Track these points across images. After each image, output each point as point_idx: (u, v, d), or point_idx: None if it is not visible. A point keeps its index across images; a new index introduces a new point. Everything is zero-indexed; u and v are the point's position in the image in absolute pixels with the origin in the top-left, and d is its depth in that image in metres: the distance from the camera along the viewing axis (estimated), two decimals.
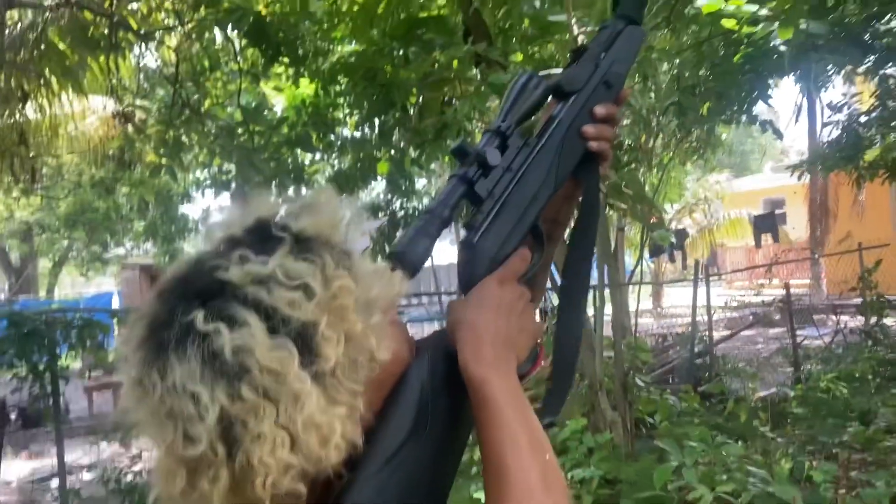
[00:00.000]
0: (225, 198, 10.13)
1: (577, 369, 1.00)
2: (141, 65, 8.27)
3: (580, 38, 4.52)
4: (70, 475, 6.26)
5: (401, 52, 5.59)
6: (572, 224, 1.06)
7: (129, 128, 8.16)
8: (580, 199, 1.06)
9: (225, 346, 0.70)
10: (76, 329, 5.80)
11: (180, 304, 0.73)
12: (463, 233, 0.97)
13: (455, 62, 5.59)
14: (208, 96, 7.83)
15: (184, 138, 7.29)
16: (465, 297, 0.91)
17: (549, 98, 1.02)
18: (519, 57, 5.77)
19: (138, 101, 8.60)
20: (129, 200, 13.59)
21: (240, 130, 6.96)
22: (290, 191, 7.07)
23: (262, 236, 0.78)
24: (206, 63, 7.28)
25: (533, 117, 1.01)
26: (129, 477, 5.27)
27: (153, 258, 16.92)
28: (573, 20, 4.36)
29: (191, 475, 0.72)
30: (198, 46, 7.22)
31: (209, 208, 12.81)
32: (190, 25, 6.81)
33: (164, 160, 7.31)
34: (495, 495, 0.77)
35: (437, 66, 5.34)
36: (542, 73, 1.08)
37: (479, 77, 5.32)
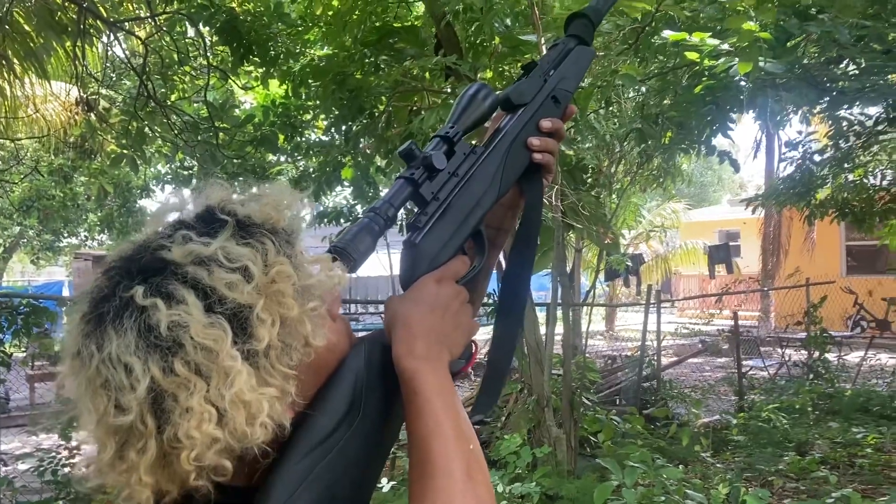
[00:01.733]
0: (185, 193, 10.02)
1: (509, 374, 1.05)
2: (108, 53, 8.15)
3: None
4: (6, 466, 6.11)
5: (372, 59, 5.62)
6: (514, 233, 1.09)
7: (92, 116, 8.04)
8: (524, 207, 1.08)
9: (161, 321, 0.72)
10: (22, 316, 5.67)
11: (123, 280, 0.76)
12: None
13: (427, 73, 5.65)
14: (175, 90, 7.76)
15: (147, 130, 7.21)
16: (402, 294, 0.93)
17: (498, 109, 1.06)
18: (489, 73, 5.84)
19: (103, 90, 8.48)
20: (87, 190, 13.35)
21: (205, 126, 6.90)
22: (254, 189, 7.03)
23: (207, 220, 0.81)
24: (175, 56, 7.22)
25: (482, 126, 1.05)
26: (66, 469, 5.16)
27: (107, 250, 16.61)
28: (543, 41, 4.44)
29: (120, 445, 0.73)
30: (168, 39, 7.16)
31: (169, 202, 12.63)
32: (161, 18, 6.76)
33: (125, 151, 7.21)
34: (419, 481, 0.80)
35: (407, 75, 5.38)
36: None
37: (448, 89, 5.38)
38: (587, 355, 7.63)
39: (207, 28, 6.38)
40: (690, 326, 13.76)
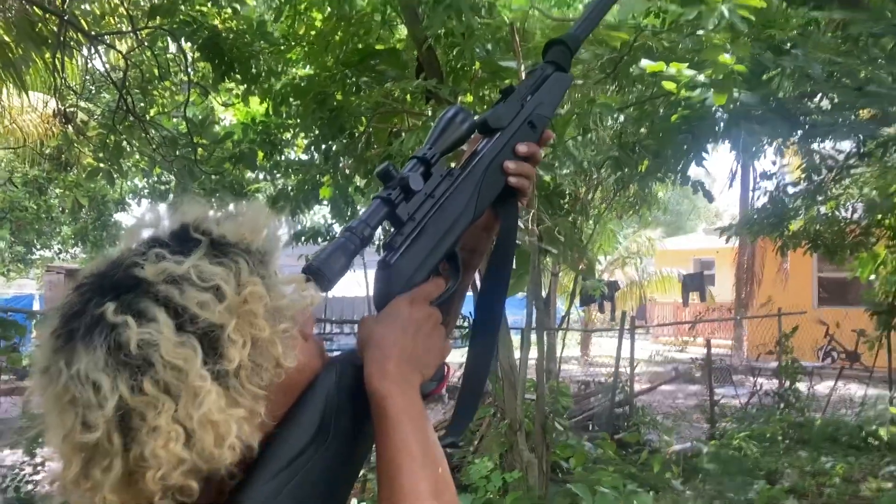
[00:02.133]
0: (162, 208, 9.96)
1: (482, 397, 1.05)
2: (88, 66, 8.12)
3: None
4: None
5: (353, 80, 5.64)
6: (489, 256, 1.09)
7: (70, 128, 7.99)
8: (499, 230, 1.09)
9: (131, 339, 0.72)
10: None
11: (95, 297, 0.76)
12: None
13: (407, 96, 5.68)
14: (154, 105, 7.74)
15: (125, 144, 7.17)
16: (376, 315, 0.93)
17: (476, 133, 1.07)
18: (469, 97, 5.89)
19: (82, 103, 8.44)
20: (62, 202, 13.23)
21: (183, 142, 6.88)
22: (231, 206, 7.00)
23: (182, 238, 0.80)
24: (156, 71, 7.21)
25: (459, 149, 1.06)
26: (30, 486, 5.07)
27: (80, 263, 16.42)
28: (523, 67, 4.50)
29: (85, 463, 0.73)
30: (149, 54, 7.15)
31: (144, 216, 12.54)
32: (143, 33, 6.75)
33: (102, 164, 7.17)
34: (387, 503, 0.80)
35: (388, 97, 5.41)
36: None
37: (428, 112, 5.41)
38: (561, 380, 7.65)
39: (189, 44, 6.39)
40: (664, 353, 13.85)
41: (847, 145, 6.84)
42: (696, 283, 16.69)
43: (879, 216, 7.75)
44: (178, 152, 6.77)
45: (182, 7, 6.01)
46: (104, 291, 0.76)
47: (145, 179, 9.14)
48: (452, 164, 1.05)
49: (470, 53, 4.53)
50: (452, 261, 1.01)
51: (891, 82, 4.24)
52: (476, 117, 1.06)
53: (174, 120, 8.04)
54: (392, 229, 0.98)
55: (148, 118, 7.23)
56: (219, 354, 0.75)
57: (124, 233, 0.87)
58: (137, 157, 7.81)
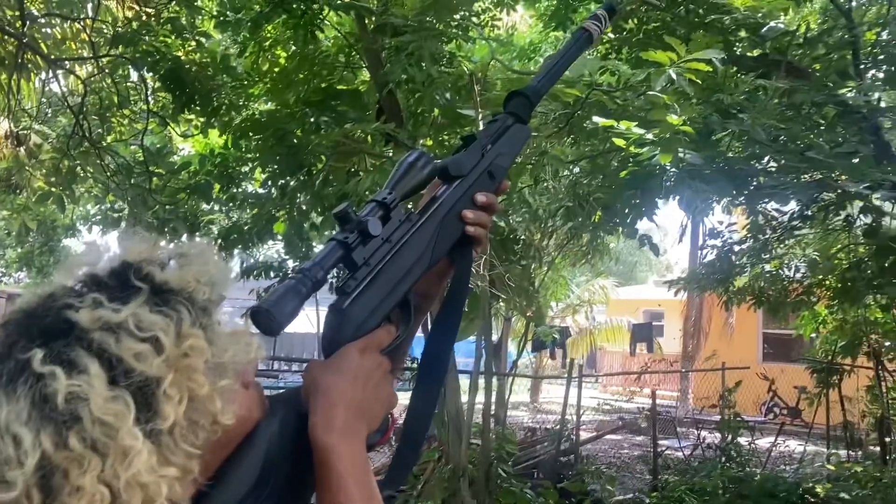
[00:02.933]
0: (112, 236, 9.81)
1: (423, 447, 1.02)
2: (45, 89, 8.03)
3: None
4: None
5: (314, 119, 5.69)
6: (440, 301, 1.09)
7: (21, 151, 7.86)
8: (452, 277, 1.08)
9: (59, 392, 0.67)
10: None
11: (21, 340, 0.71)
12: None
13: (367, 137, 5.75)
14: (112, 132, 7.67)
15: (79, 170, 7.08)
16: (324, 361, 0.90)
17: (436, 179, 1.07)
18: (429, 142, 5.97)
19: (36, 126, 8.32)
20: (9, 225, 12.91)
21: (138, 170, 6.83)
22: (183, 237, 6.93)
23: (122, 281, 0.76)
24: (115, 99, 7.16)
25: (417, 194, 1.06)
26: None
27: (23, 288, 15.98)
28: (481, 116, 4.60)
29: None
30: (109, 81, 7.11)
31: (94, 244, 12.28)
32: (105, 60, 6.72)
33: (54, 189, 7.06)
34: None
35: (348, 137, 5.47)
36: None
37: (389, 154, 5.48)
38: (508, 426, 7.66)
39: (151, 74, 6.38)
40: (612, 403, 13.94)
41: (791, 206, 7.07)
42: (644, 333, 16.93)
43: (821, 276, 7.99)
44: (132, 180, 6.70)
45: (145, 37, 6.01)
46: (32, 335, 0.71)
47: (97, 206, 9.00)
48: (410, 206, 1.05)
49: (430, 100, 4.62)
50: (405, 308, 0.99)
51: (830, 149, 4.44)
52: (437, 163, 1.06)
53: (131, 148, 7.97)
54: (346, 272, 0.95)
55: (104, 145, 7.16)
56: (153, 411, 0.70)
57: (61, 268, 0.81)
58: (91, 183, 7.71)
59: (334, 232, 0.97)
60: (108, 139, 7.56)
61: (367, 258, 0.94)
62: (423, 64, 4.21)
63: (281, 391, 0.97)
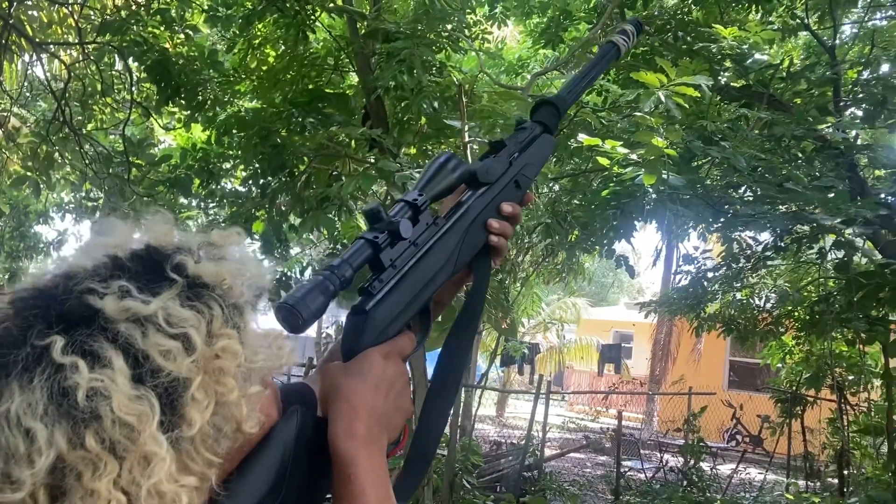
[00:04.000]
0: (86, 225, 9.71)
1: (434, 457, 0.97)
2: (28, 73, 7.93)
3: (470, 146, 4.78)
4: None
5: (300, 120, 5.68)
6: (458, 312, 1.04)
7: (0, 133, 7.75)
8: (470, 287, 1.05)
9: (80, 386, 0.61)
10: None
11: (38, 323, 0.64)
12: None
13: (352, 141, 5.74)
14: (93, 119, 7.60)
15: (57, 156, 6.99)
16: (345, 364, 0.86)
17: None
18: (412, 150, 5.99)
19: (16, 109, 8.21)
20: None
21: (118, 160, 6.76)
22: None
23: (150, 269, 0.70)
24: (99, 86, 7.09)
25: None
26: None
27: None
28: (466, 128, 4.62)
29: None
30: (93, 68, 7.04)
31: (66, 231, 12.13)
32: (91, 47, 6.66)
33: (30, 173, 6.96)
34: None
35: (332, 140, 5.46)
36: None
37: (371, 160, 5.49)
38: (474, 439, 7.65)
39: (137, 64, 6.33)
40: (577, 421, 13.99)
41: (766, 236, 7.17)
42: (613, 354, 17.04)
43: (790, 307, 8.10)
44: (111, 170, 6.63)
45: (134, 27, 5.97)
46: (50, 319, 0.64)
47: (73, 194, 8.89)
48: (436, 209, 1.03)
49: (417, 108, 4.63)
50: (424, 315, 0.96)
51: (807, 182, 4.52)
52: (467, 167, 1.03)
53: (111, 137, 7.89)
54: (371, 273, 0.91)
55: (84, 132, 7.08)
56: (178, 415, 0.65)
57: (81, 246, 0.74)
58: (68, 169, 7.61)
59: (363, 231, 0.93)
60: (89, 127, 7.48)
61: (393, 260, 0.91)
62: (415, 71, 4.22)
63: (288, 387, 0.93)
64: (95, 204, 7.88)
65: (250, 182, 6.49)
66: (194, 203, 7.91)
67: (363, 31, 5.28)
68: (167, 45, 6.34)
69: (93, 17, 7.03)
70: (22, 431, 0.60)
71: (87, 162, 6.79)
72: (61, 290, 0.67)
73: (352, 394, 0.81)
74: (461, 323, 1.00)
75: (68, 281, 0.67)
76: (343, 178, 5.15)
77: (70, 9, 6.82)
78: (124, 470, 0.62)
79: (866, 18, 6.99)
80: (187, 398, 0.65)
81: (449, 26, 4.91)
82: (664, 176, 3.63)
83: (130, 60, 6.39)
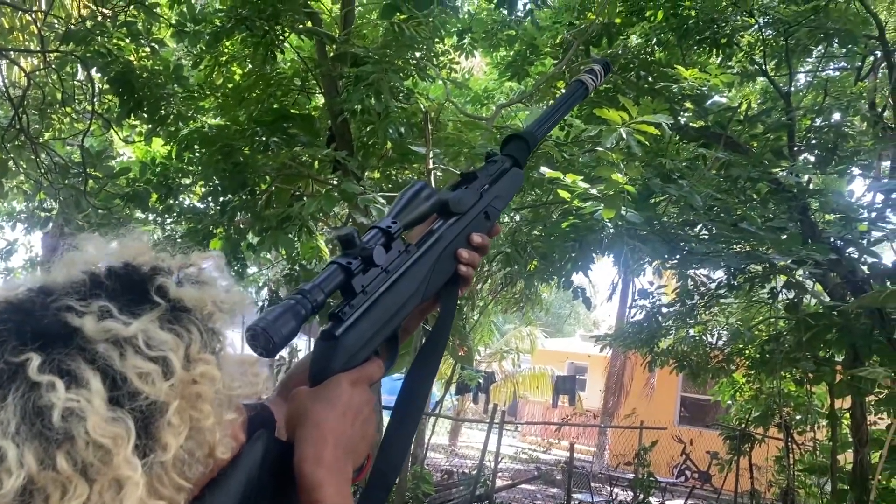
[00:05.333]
0: (37, 235, 9.49)
1: (394, 485, 0.94)
2: None
3: (434, 173, 4.81)
4: None
5: (263, 139, 5.65)
6: (422, 342, 1.05)
7: None
8: (437, 315, 1.05)
9: (55, 406, 0.59)
10: None
11: (12, 339, 0.62)
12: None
13: (315, 162, 5.73)
14: (51, 128, 7.46)
15: (11, 164, 6.84)
16: (313, 389, 0.85)
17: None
18: (376, 174, 5.99)
19: None
20: None
21: (75, 171, 6.64)
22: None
23: (129, 288, 0.69)
24: (59, 95, 6.98)
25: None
26: None
27: None
28: (431, 154, 4.65)
29: None
30: (55, 77, 6.94)
31: (16, 241, 11.83)
32: (53, 55, 6.57)
33: None
34: None
35: (295, 160, 5.44)
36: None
37: (333, 181, 5.48)
38: (426, 467, 7.60)
39: (99, 74, 6.25)
40: (530, 452, 13.98)
41: (719, 275, 7.30)
42: (567, 385, 17.12)
43: (741, 346, 8.23)
44: (67, 181, 6.50)
45: (98, 38, 5.90)
46: (25, 336, 0.62)
47: (25, 203, 8.70)
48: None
49: (383, 133, 4.65)
50: (392, 343, 0.96)
51: (761, 223, 4.63)
52: (439, 195, 1.04)
53: (68, 147, 7.75)
54: (342, 299, 0.91)
55: (41, 141, 6.95)
56: (153, 439, 0.63)
57: (58, 261, 0.72)
58: (22, 178, 7.45)
59: (335, 255, 0.93)
60: (46, 136, 7.35)
61: (365, 286, 0.91)
62: (382, 96, 4.24)
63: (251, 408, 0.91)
64: (48, 215, 7.72)
65: (209, 198, 6.42)
66: (151, 218, 7.79)
67: (332, 53, 5.29)
68: (132, 58, 6.28)
69: (56, 26, 6.94)
70: None
71: (42, 171, 6.65)
72: (38, 307, 0.65)
73: (320, 420, 0.81)
74: (427, 350, 1.01)
75: (45, 297, 0.66)
76: (305, 198, 5.12)
77: (33, 16, 6.73)
78: (94, 493, 0.60)
79: (820, 68, 7.25)
80: (163, 423, 0.64)
81: (418, 54, 4.96)
82: (623, 211, 3.69)
83: (93, 71, 6.30)
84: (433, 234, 1.03)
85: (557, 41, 6.45)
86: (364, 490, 0.91)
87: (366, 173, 5.27)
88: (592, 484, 11.61)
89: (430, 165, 4.72)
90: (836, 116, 6.48)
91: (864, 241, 5.14)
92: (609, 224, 4.36)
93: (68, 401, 0.60)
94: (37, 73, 7.00)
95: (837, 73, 7.50)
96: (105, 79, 6.14)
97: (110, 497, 0.60)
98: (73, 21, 6.64)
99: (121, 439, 0.61)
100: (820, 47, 6.01)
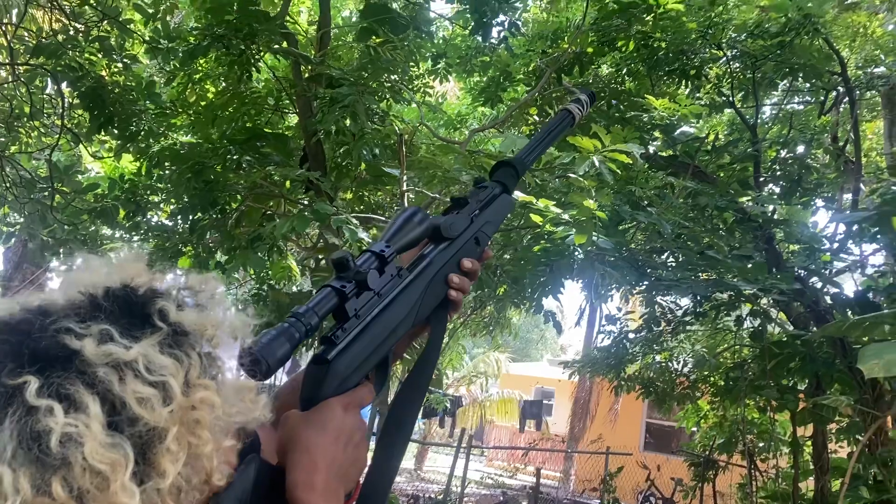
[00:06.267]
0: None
1: None
2: None
3: (407, 195, 4.82)
4: None
5: (236, 157, 5.63)
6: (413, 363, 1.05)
7: None
8: (427, 339, 1.06)
9: (53, 431, 0.58)
10: None
11: (9, 361, 0.61)
12: None
13: (287, 182, 5.72)
14: (17, 142, 7.36)
15: None
16: (304, 414, 0.85)
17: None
18: (349, 195, 5.99)
19: None
20: None
21: (41, 185, 6.54)
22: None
23: (128, 311, 0.68)
24: (27, 109, 6.89)
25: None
26: None
27: None
28: (405, 177, 4.67)
29: None
30: (23, 90, 6.85)
31: None
32: (22, 68, 6.49)
33: None
34: None
35: (267, 179, 5.42)
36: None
37: (304, 202, 5.46)
38: (392, 491, 7.52)
39: (70, 89, 6.19)
40: (496, 477, 13.93)
41: (686, 302, 7.39)
42: (534, 410, 17.13)
43: (706, 373, 8.32)
44: (33, 195, 6.41)
45: (70, 52, 5.85)
46: (22, 358, 0.61)
47: None
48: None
49: (357, 154, 4.66)
50: (382, 368, 0.96)
51: (727, 251, 4.71)
52: (431, 220, 1.05)
53: (35, 162, 7.64)
54: (335, 322, 0.91)
55: (6, 154, 6.85)
56: (151, 465, 0.62)
57: (57, 281, 0.72)
58: None
59: (331, 278, 0.93)
60: (13, 149, 7.24)
61: (357, 310, 0.91)
62: (358, 118, 4.26)
63: None
64: (13, 230, 7.58)
65: (178, 216, 6.36)
66: (118, 234, 7.69)
67: (307, 74, 5.30)
68: (103, 73, 6.23)
69: (27, 39, 6.87)
70: None
71: (7, 185, 6.55)
72: (36, 328, 0.64)
73: (312, 445, 0.80)
74: (417, 373, 1.01)
75: (43, 318, 0.65)
76: (276, 217, 5.10)
77: (3, 28, 6.65)
78: None
79: (785, 102, 7.43)
80: (162, 449, 0.63)
81: (394, 77, 4.99)
82: (594, 238, 3.73)
83: (64, 85, 6.25)
84: (425, 258, 1.04)
85: (531, 68, 6.54)
86: None
87: (338, 194, 5.27)
88: None
89: (404, 188, 4.74)
90: (801, 149, 6.64)
91: (827, 272, 5.25)
92: (580, 250, 4.41)
93: (66, 426, 0.59)
94: (4, 85, 6.91)
95: (802, 107, 7.70)
96: (75, 93, 6.08)
97: None
98: (44, 34, 6.58)
99: (119, 465, 0.60)
100: (785, 81, 6.16)
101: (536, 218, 4.03)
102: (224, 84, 6.00)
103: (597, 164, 3.44)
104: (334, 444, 0.82)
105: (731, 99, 6.10)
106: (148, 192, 6.81)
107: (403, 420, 0.97)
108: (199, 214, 5.81)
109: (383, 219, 5.21)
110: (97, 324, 0.65)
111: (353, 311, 0.90)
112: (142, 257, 0.76)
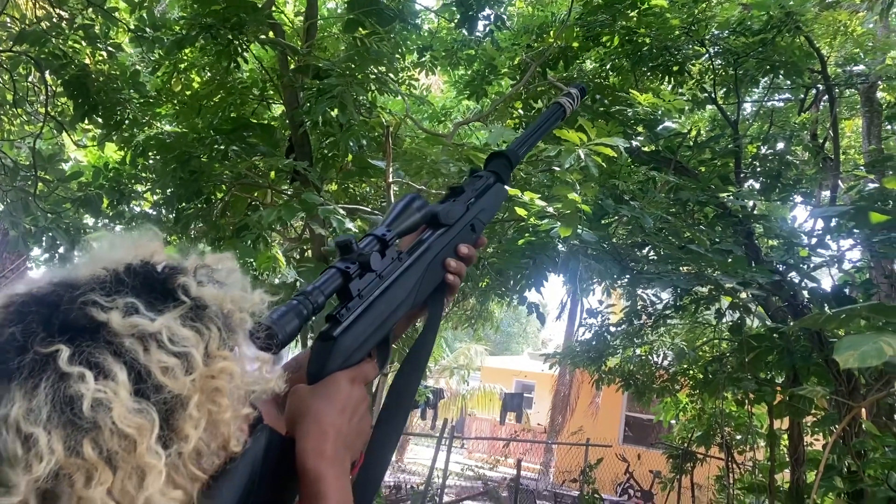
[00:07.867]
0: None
1: (381, 483, 0.99)
2: None
3: (393, 187, 4.85)
4: None
5: (222, 147, 5.63)
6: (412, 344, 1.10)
7: None
8: (424, 321, 1.11)
9: (85, 397, 0.62)
10: None
11: (40, 331, 0.65)
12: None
13: (273, 172, 5.72)
14: (0, 129, 7.30)
15: None
16: (312, 387, 0.89)
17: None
18: (334, 186, 6.00)
19: None
20: None
21: (24, 173, 6.49)
22: (61, 250, 6.61)
23: (150, 286, 0.72)
24: (9, 96, 6.84)
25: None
26: None
27: None
28: (391, 169, 4.69)
29: None
30: (6, 77, 6.80)
31: None
32: (4, 55, 6.44)
33: None
34: None
35: (253, 169, 5.42)
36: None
37: (291, 192, 5.47)
38: None
39: (53, 77, 6.15)
40: (476, 469, 14.00)
41: (666, 296, 7.46)
42: (515, 403, 17.24)
43: (686, 366, 8.41)
44: (15, 183, 6.36)
45: (53, 39, 5.81)
46: (52, 328, 0.65)
47: None
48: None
49: (344, 145, 4.68)
50: (384, 345, 1.01)
51: (708, 245, 4.78)
52: (429, 207, 1.10)
53: (17, 149, 7.58)
54: (339, 302, 0.95)
55: None
56: (174, 430, 0.66)
57: (84, 258, 0.76)
58: None
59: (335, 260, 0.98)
60: None
61: (361, 290, 0.96)
62: (346, 109, 4.28)
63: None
64: None
65: (162, 206, 6.34)
66: (101, 223, 7.65)
67: (293, 65, 5.31)
68: (87, 61, 6.19)
69: (9, 25, 6.81)
70: (21, 436, 0.61)
71: None
72: (64, 300, 0.68)
73: (320, 415, 0.85)
74: (414, 352, 1.06)
75: (71, 291, 0.69)
76: (262, 208, 5.11)
77: None
78: (117, 480, 0.63)
79: (766, 99, 7.52)
80: (184, 415, 0.67)
81: (382, 68, 5.01)
82: (578, 230, 3.78)
83: (47, 73, 6.20)
84: (423, 243, 1.09)
85: (516, 62, 6.58)
86: (354, 483, 0.93)
87: (324, 185, 5.28)
88: (538, 501, 11.70)
89: (390, 179, 4.76)
90: (781, 145, 6.72)
91: (805, 267, 5.33)
92: (562, 243, 4.46)
93: (97, 391, 0.62)
94: None
95: (782, 104, 7.80)
96: (59, 81, 6.04)
97: (133, 485, 0.63)
98: (27, 21, 6.53)
99: (145, 430, 0.64)
100: (766, 78, 6.24)
101: (521, 210, 4.08)
102: (210, 74, 5.98)
103: (582, 157, 3.49)
104: (341, 415, 0.86)
105: (713, 95, 6.17)
106: (132, 182, 6.78)
107: (404, 394, 1.02)
108: (185, 204, 5.81)
109: (369, 210, 5.23)
110: (122, 297, 0.69)
111: (357, 291, 0.95)
112: (158, 236, 0.80)
